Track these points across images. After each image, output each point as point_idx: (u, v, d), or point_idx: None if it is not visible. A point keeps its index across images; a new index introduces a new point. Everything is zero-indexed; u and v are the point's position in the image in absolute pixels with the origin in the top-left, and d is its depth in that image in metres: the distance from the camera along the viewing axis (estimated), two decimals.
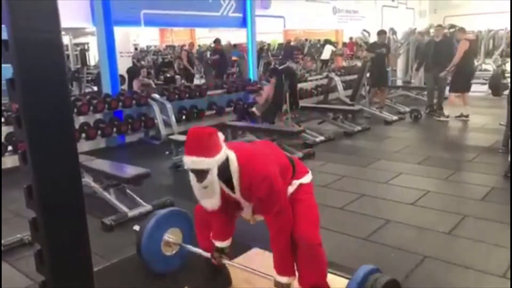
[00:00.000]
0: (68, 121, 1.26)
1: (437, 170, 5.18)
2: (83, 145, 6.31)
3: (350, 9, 12.56)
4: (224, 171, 2.14)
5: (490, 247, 3.25)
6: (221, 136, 2.18)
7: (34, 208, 1.20)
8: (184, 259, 2.88)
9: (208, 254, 2.57)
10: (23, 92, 1.13)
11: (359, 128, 7.40)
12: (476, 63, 10.66)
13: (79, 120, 6.36)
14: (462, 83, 7.80)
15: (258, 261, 2.88)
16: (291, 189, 2.32)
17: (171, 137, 5.95)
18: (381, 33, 9.27)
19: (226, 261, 2.52)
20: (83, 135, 6.31)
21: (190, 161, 2.10)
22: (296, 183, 2.34)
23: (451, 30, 11.39)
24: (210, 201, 2.22)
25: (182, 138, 5.68)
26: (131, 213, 3.94)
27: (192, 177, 2.18)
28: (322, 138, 6.74)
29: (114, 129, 6.71)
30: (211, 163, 2.08)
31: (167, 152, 5.80)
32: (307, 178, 2.42)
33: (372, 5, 13.08)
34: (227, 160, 2.14)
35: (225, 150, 2.15)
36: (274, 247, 2.28)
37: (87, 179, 4.39)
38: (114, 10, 6.75)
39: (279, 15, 10.37)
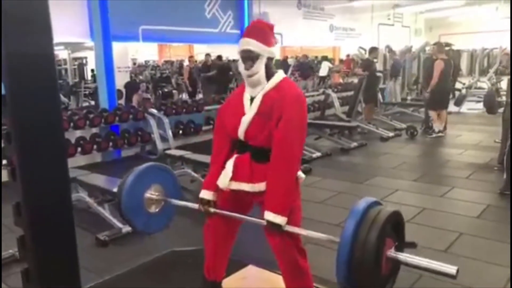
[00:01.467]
0: (59, 139, 1.25)
1: (433, 187, 5.18)
2: (79, 159, 6.29)
3: (347, 26, 12.71)
4: (268, 73, 2.20)
5: (486, 265, 3.23)
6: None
7: (22, 225, 1.18)
8: (170, 216, 2.70)
9: (194, 205, 2.42)
10: (14, 108, 1.13)
11: (355, 144, 7.42)
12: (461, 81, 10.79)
13: (75, 134, 6.35)
14: (438, 101, 7.93)
15: (254, 278, 2.86)
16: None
17: (168, 152, 5.94)
18: (373, 50, 9.45)
19: (213, 209, 2.32)
20: (79, 149, 6.29)
21: (246, 41, 2.18)
22: (301, 175, 2.25)
23: (446, 48, 11.53)
24: (253, 90, 2.22)
25: (179, 153, 5.68)
26: (125, 229, 3.90)
27: (241, 65, 2.22)
28: (318, 154, 6.75)
29: (110, 144, 6.70)
30: (264, 49, 2.17)
31: None
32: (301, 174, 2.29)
33: (369, 23, 13.24)
34: (273, 60, 2.24)
35: (276, 51, 2.28)
36: (276, 179, 2.10)
37: (82, 194, 4.37)
38: (113, 25, 6.80)
39: (277, 32, 10.45)
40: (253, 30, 2.25)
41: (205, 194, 2.33)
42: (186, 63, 12.45)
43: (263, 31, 2.22)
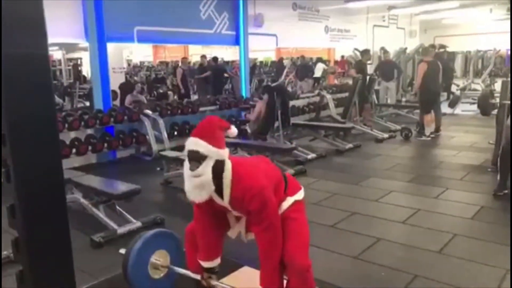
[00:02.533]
0: (53, 140, 1.25)
1: (428, 188, 5.20)
2: (74, 161, 6.26)
3: (342, 28, 12.73)
4: (217, 174, 2.13)
5: (480, 266, 3.25)
6: (233, 130, 2.29)
7: (16, 227, 1.17)
8: (173, 282, 2.80)
9: (197, 276, 2.51)
10: (8, 110, 1.12)
11: (350, 145, 7.44)
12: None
13: (70, 136, 6.32)
14: (429, 103, 7.98)
15: (248, 279, 2.86)
16: (285, 205, 2.30)
17: (163, 153, 5.93)
18: (365, 52, 9.52)
19: (215, 282, 2.46)
20: (74, 150, 6.27)
21: (193, 142, 2.12)
22: (290, 199, 2.33)
23: (441, 50, 11.59)
24: (200, 193, 2.16)
25: (174, 154, 5.67)
26: (120, 230, 3.90)
27: (186, 166, 2.17)
28: (313, 155, 6.76)
29: (105, 145, 6.68)
30: (212, 151, 2.10)
31: (158, 168, 5.77)
32: (300, 195, 2.41)
33: (364, 25, 13.28)
34: (223, 165, 2.15)
35: (226, 153, 2.17)
36: (262, 263, 2.24)
37: (77, 195, 4.35)
38: (107, 26, 6.78)
39: (272, 33, 10.47)
40: (203, 130, 2.17)
41: (208, 264, 2.45)
42: (181, 65, 12.42)
43: (213, 132, 2.16)
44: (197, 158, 2.11)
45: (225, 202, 2.22)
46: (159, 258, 2.70)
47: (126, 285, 2.77)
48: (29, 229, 1.19)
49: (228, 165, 2.16)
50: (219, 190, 2.18)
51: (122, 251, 2.76)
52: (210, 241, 2.42)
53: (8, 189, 1.20)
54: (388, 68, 10.73)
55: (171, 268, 2.71)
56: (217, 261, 2.47)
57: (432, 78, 7.83)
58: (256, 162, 2.37)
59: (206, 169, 2.10)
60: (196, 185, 2.13)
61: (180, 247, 2.77)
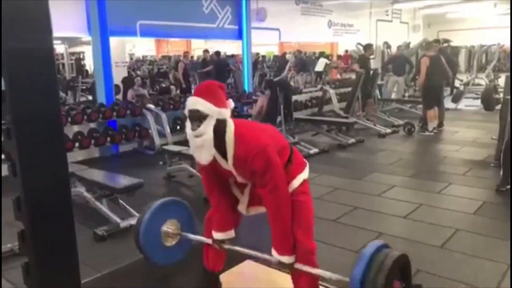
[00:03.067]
0: (58, 134, 1.26)
1: (430, 184, 5.20)
2: (77, 155, 6.29)
3: (345, 22, 12.68)
4: (219, 134, 2.10)
5: (482, 261, 3.25)
6: (231, 102, 2.22)
7: (22, 220, 1.18)
8: (186, 251, 2.75)
9: (209, 241, 2.47)
10: (13, 104, 1.13)
11: (353, 140, 7.43)
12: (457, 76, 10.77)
13: (73, 129, 6.34)
14: (432, 98, 7.95)
15: (251, 273, 2.88)
16: (295, 183, 2.27)
17: (165, 147, 5.95)
18: (368, 47, 9.48)
19: (228, 246, 2.42)
20: (77, 144, 6.29)
21: (193, 101, 2.10)
22: (300, 178, 2.28)
23: (445, 44, 11.54)
24: (202, 153, 2.13)
25: (176, 148, 5.69)
26: (123, 224, 3.92)
27: (188, 126, 2.15)
28: (316, 150, 6.76)
29: (108, 139, 6.70)
30: (212, 110, 2.07)
31: (161, 162, 5.79)
32: (306, 172, 2.37)
33: (367, 19, 13.22)
34: (225, 125, 2.12)
35: (228, 112, 2.15)
36: (273, 225, 2.18)
37: (80, 189, 4.37)
38: (110, 20, 6.77)
39: (275, 27, 10.44)
40: (203, 89, 2.17)
41: (219, 236, 2.40)
42: (182, 59, 12.41)
43: (213, 91, 2.14)
44: (197, 117, 2.09)
45: (229, 164, 2.17)
46: (171, 226, 2.65)
47: (128, 278, 2.80)
48: (34, 221, 1.20)
49: (230, 125, 2.13)
50: (222, 152, 2.15)
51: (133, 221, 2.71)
52: (223, 212, 2.37)
53: (13, 182, 1.21)
54: (399, 62, 10.70)
55: (183, 235, 2.66)
56: (230, 233, 2.42)
57: (435, 73, 7.79)
58: (260, 125, 2.36)
59: (208, 128, 2.07)
60: (198, 145, 2.11)
61: (191, 215, 2.73)
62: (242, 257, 3.00)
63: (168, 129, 7.10)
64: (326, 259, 3.22)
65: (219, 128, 2.09)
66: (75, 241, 1.31)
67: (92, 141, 6.49)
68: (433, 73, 7.75)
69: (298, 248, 2.20)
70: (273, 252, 2.20)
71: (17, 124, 1.17)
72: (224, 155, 2.16)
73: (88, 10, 6.75)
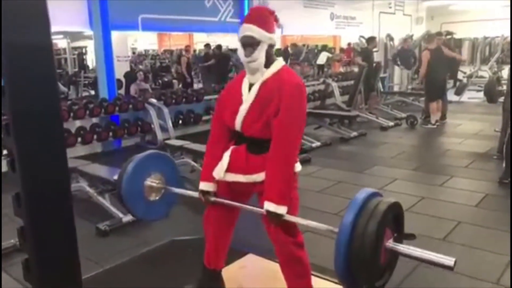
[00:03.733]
0: (58, 129, 1.25)
1: (432, 176, 5.20)
2: (79, 149, 6.30)
3: (347, 15, 12.59)
4: (268, 58, 2.18)
5: (484, 253, 3.26)
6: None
7: (22, 216, 1.19)
8: (170, 206, 2.72)
9: (194, 194, 2.42)
10: (12, 99, 1.13)
11: (355, 133, 7.42)
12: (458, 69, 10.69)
13: (75, 124, 6.35)
14: (435, 91, 7.90)
15: (253, 267, 2.89)
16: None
17: (168, 142, 5.95)
18: (371, 39, 9.44)
19: (213, 199, 2.33)
20: (79, 139, 6.30)
21: (247, 27, 2.15)
22: (297, 167, 2.22)
23: (448, 37, 11.46)
24: (257, 76, 2.19)
25: (179, 143, 5.69)
26: (126, 219, 3.93)
27: (240, 50, 2.19)
28: (318, 143, 6.76)
29: (111, 134, 6.70)
30: (265, 36, 2.14)
31: None
32: (298, 166, 2.27)
33: (370, 12, 13.13)
34: (273, 49, 2.21)
35: (276, 39, 2.23)
36: (277, 168, 2.08)
37: (82, 184, 4.39)
38: (112, 14, 6.76)
39: None
40: (254, 16, 2.21)
41: (205, 186, 2.33)
42: (185, 53, 12.39)
43: (264, 17, 2.19)
44: (251, 44, 2.14)
45: (252, 92, 2.18)
46: (155, 179, 2.60)
47: (131, 273, 2.81)
48: (34, 218, 1.20)
49: (280, 59, 2.24)
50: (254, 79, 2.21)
51: (115, 177, 2.67)
52: (217, 157, 2.30)
53: (13, 178, 1.22)
54: (407, 55, 10.64)
55: (167, 189, 2.61)
56: (214, 185, 2.34)
57: (437, 66, 7.75)
58: None
59: (261, 53, 2.15)
60: (253, 69, 2.17)
61: (175, 169, 2.71)
62: (244, 251, 3.02)
63: (170, 124, 7.10)
64: (326, 252, 3.22)
65: (269, 53, 2.18)
66: (76, 237, 1.31)
67: (95, 136, 6.49)
68: (435, 66, 7.71)
69: (278, 242, 2.18)
70: (268, 203, 2.05)
71: (16, 119, 1.16)
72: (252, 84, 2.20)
73: (90, 4, 6.72)
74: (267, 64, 2.19)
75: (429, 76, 7.79)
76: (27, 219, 1.20)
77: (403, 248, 1.85)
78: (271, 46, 2.19)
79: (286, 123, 2.08)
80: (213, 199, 2.33)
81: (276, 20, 2.24)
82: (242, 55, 2.18)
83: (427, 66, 7.74)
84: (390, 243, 1.84)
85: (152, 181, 2.57)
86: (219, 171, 2.25)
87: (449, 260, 1.72)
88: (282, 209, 2.05)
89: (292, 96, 2.10)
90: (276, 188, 2.07)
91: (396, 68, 12.01)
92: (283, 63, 2.24)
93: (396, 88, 12.04)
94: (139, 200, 2.54)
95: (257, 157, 2.20)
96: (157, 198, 2.61)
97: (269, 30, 2.17)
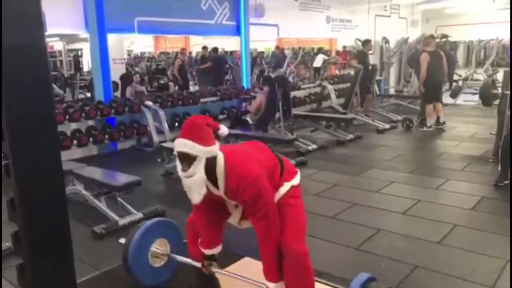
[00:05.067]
0: (53, 134, 1.25)
1: (428, 179, 5.20)
2: (75, 152, 6.27)
3: (343, 18, 12.63)
4: (210, 169, 2.11)
5: (480, 257, 3.26)
6: (223, 129, 2.24)
7: (16, 221, 1.18)
8: (173, 270, 2.84)
9: (197, 264, 2.53)
10: (6, 104, 1.12)
11: (351, 136, 7.43)
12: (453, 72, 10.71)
13: (71, 127, 6.33)
14: (432, 94, 7.90)
15: (250, 270, 2.87)
16: (282, 190, 2.28)
17: (164, 144, 5.93)
18: (367, 42, 9.46)
19: (216, 270, 2.49)
20: (75, 141, 6.27)
21: (181, 143, 2.09)
22: (287, 185, 2.30)
23: (443, 40, 11.51)
24: (193, 194, 2.14)
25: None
26: (122, 221, 3.92)
27: (178, 165, 2.14)
28: (314, 146, 6.76)
29: (106, 136, 6.68)
30: (201, 150, 2.07)
31: (159, 160, 5.78)
32: (297, 179, 2.38)
33: (365, 15, 13.18)
34: (215, 160, 2.13)
35: (216, 147, 2.14)
36: (262, 252, 2.24)
37: (78, 187, 4.36)
38: (108, 17, 6.74)
39: (273, 23, 10.40)
40: (189, 129, 2.13)
41: (209, 252, 2.46)
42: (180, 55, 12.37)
43: (199, 130, 2.11)
44: (187, 159, 2.08)
45: (221, 192, 2.21)
46: (159, 246, 2.72)
47: (127, 276, 2.79)
48: (28, 222, 1.19)
49: (220, 159, 2.13)
50: (214, 182, 2.18)
51: (122, 240, 2.78)
52: (211, 233, 2.44)
53: (8, 183, 1.20)
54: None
55: (172, 256, 2.74)
56: (218, 248, 2.49)
57: (435, 69, 7.75)
58: (249, 150, 2.32)
59: (198, 168, 2.08)
60: (190, 185, 2.13)
61: (180, 236, 2.78)
62: (240, 254, 3.01)
63: (166, 126, 7.09)
64: (324, 256, 3.23)
65: (210, 164, 2.11)
66: (71, 242, 1.31)
67: (90, 139, 6.47)
68: (433, 69, 7.71)
69: (286, 254, 2.20)
70: (264, 280, 2.28)
71: (10, 123, 1.15)
72: (215, 184, 2.18)
73: (86, 7, 6.71)
74: (210, 173, 2.12)
75: (427, 78, 7.76)
76: (21, 224, 1.19)
77: None
78: (210, 158, 2.10)
79: (256, 217, 2.18)
80: (215, 270, 2.47)
81: (216, 128, 2.19)
82: (179, 169, 2.14)
83: (426, 69, 7.69)
84: None
85: (157, 248, 2.71)
86: (234, 222, 2.45)
87: None
88: (274, 285, 2.26)
89: (247, 194, 2.13)
90: (264, 267, 2.28)
91: (392, 70, 12.04)
92: (222, 157, 2.14)
93: (391, 91, 12.07)
94: (144, 267, 2.67)
95: None
96: (161, 264, 2.75)
97: (206, 143, 2.08)
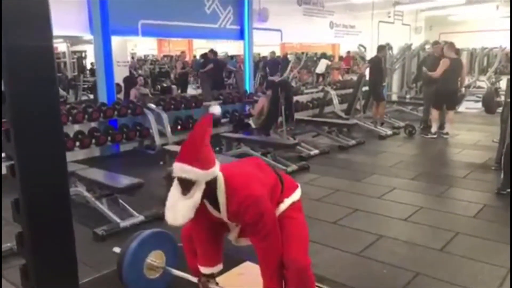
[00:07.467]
0: (58, 135, 1.25)
1: (430, 186, 5.19)
2: (77, 154, 6.28)
3: (347, 24, 12.66)
4: (210, 191, 2.07)
5: (482, 265, 3.24)
6: (217, 109, 2.23)
7: (20, 222, 1.17)
8: (168, 283, 2.78)
9: (194, 279, 2.47)
10: (12, 104, 1.12)
11: (353, 142, 7.42)
12: (466, 82, 10.67)
13: (73, 128, 6.34)
14: (442, 100, 7.83)
15: (250, 274, 2.86)
16: (283, 207, 2.27)
17: (166, 147, 5.94)
18: (381, 48, 9.31)
19: (213, 286, 2.40)
20: (78, 143, 6.29)
21: (180, 168, 2.01)
22: (287, 202, 2.29)
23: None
24: (179, 215, 2.04)
25: (177, 148, 5.68)
26: (123, 224, 3.92)
27: (175, 186, 2.07)
28: (316, 151, 6.75)
29: (109, 138, 6.69)
30: (201, 175, 2.00)
31: (161, 162, 5.79)
32: (297, 194, 2.37)
33: (369, 21, 13.20)
34: (215, 183, 2.08)
35: (217, 168, 2.09)
36: (262, 271, 2.23)
37: (80, 188, 4.37)
38: (112, 19, 6.77)
39: (277, 28, 10.43)
40: (187, 154, 2.04)
41: (206, 270, 2.40)
42: (186, 59, 12.44)
43: (197, 153, 2.02)
44: (187, 184, 2.02)
45: (222, 216, 2.18)
46: (155, 259, 2.66)
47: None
48: (33, 223, 1.19)
49: (221, 181, 2.09)
50: (215, 205, 2.15)
51: (117, 250, 2.74)
52: (209, 250, 2.37)
53: (13, 184, 1.21)
54: (437, 63, 10.60)
55: (167, 269, 2.68)
56: (218, 267, 2.42)
57: (454, 76, 7.67)
58: (249, 169, 2.26)
59: (197, 192, 2.02)
60: (189, 207, 2.03)
61: (176, 248, 2.74)
62: (241, 258, 3.00)
63: (169, 129, 7.09)
64: (325, 262, 3.22)
65: (210, 187, 2.06)
66: (74, 244, 1.31)
67: (93, 140, 6.48)
68: (450, 76, 7.60)
69: (290, 267, 2.19)
70: None
71: (16, 124, 1.16)
72: (217, 207, 2.16)
73: (90, 9, 6.74)
74: (211, 195, 2.09)
75: (441, 83, 7.63)
76: (26, 225, 1.19)
77: None
78: (210, 181, 2.05)
79: (258, 237, 2.17)
80: (212, 286, 2.41)
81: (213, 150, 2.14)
82: (175, 189, 2.09)
83: (442, 73, 7.59)
84: None
85: (152, 260, 2.65)
86: (232, 238, 2.42)
87: None
88: None
89: (248, 215, 2.11)
90: (266, 285, 2.26)
91: (394, 77, 12.03)
92: (222, 179, 2.10)
93: (394, 97, 12.05)
94: (138, 279, 2.62)
95: None
96: (156, 276, 2.69)
97: (205, 166, 2.01)
